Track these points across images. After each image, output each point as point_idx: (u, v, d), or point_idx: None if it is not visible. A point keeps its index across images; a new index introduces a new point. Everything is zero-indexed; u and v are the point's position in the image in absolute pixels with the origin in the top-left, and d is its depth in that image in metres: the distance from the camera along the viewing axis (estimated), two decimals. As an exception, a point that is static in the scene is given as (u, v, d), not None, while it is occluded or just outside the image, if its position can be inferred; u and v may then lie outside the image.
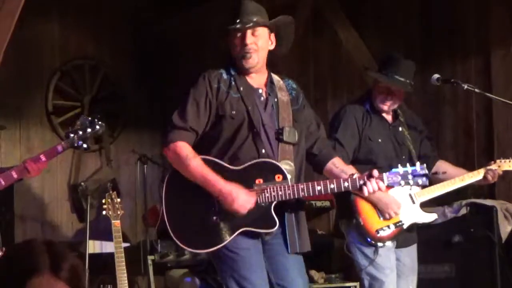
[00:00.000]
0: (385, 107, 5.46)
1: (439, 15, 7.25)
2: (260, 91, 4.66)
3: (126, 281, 6.17)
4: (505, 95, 6.38)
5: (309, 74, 8.19)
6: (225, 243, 4.39)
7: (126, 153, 8.24)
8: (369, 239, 5.26)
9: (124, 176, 8.01)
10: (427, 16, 7.31)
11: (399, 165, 4.63)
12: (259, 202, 4.36)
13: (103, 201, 6.31)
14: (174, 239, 4.46)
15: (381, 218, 5.24)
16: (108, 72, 8.65)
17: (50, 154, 5.10)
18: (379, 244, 5.26)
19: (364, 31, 7.64)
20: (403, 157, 5.45)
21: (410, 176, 4.49)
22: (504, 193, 6.54)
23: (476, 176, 5.46)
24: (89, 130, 5.07)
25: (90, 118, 5.09)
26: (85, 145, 5.14)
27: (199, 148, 4.50)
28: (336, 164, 4.79)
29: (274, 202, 4.42)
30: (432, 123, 6.65)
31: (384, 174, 4.44)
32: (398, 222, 5.26)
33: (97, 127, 5.05)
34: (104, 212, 6.26)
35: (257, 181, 4.40)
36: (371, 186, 4.37)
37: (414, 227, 5.42)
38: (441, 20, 7.26)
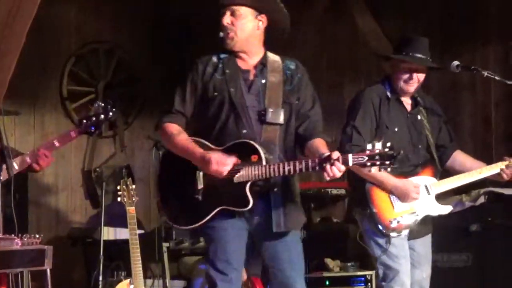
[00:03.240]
0: (411, 88, 5.43)
1: (459, 1, 7.23)
2: (249, 72, 4.72)
3: (141, 268, 6.24)
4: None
5: (327, 58, 8.23)
6: (204, 220, 4.50)
7: (141, 139, 8.28)
8: (382, 229, 5.28)
9: (139, 162, 8.03)
10: (447, 2, 7.30)
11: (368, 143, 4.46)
12: (235, 181, 4.45)
13: (118, 187, 6.37)
14: (164, 213, 4.59)
15: (396, 209, 5.24)
16: (123, 57, 8.67)
17: (63, 139, 5.15)
18: (392, 234, 5.28)
19: (383, 17, 7.65)
20: (419, 146, 5.44)
21: (377, 157, 4.35)
22: None
23: (494, 169, 5.42)
24: (102, 116, 5.11)
25: (103, 104, 5.14)
26: (98, 131, 5.20)
27: (190, 129, 4.65)
28: (314, 145, 4.73)
29: (249, 182, 4.49)
30: (450, 110, 6.58)
31: (349, 155, 4.36)
32: (412, 213, 5.28)
33: (110, 113, 5.10)
34: (119, 199, 6.32)
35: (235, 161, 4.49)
36: (330, 171, 4.30)
37: (429, 218, 5.42)
38: (461, 7, 7.23)
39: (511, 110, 6.83)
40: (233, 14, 4.62)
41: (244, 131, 4.58)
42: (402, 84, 5.39)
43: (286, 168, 4.50)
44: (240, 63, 4.70)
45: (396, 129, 5.38)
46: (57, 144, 5.07)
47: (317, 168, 4.45)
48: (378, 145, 4.29)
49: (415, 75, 5.35)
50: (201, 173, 4.54)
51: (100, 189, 6.94)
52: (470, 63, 5.96)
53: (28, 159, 5.08)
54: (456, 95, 6.92)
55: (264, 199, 4.52)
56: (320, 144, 4.68)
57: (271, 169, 4.49)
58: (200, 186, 4.53)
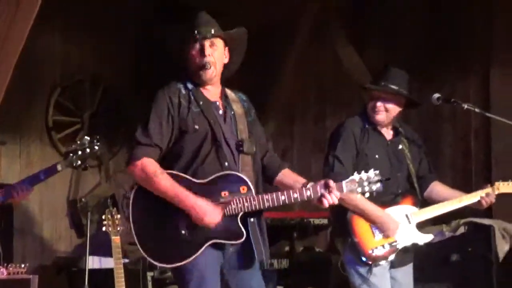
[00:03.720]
0: (379, 117, 5.46)
1: (440, 34, 7.32)
2: (217, 103, 4.70)
3: (127, 298, 6.26)
4: (504, 114, 6.46)
5: (310, 90, 8.30)
6: (195, 256, 4.40)
7: (125, 169, 8.28)
8: (363, 258, 5.28)
9: (124, 192, 8.01)
10: (428, 35, 7.38)
11: (355, 172, 4.62)
12: (226, 214, 4.44)
13: (103, 217, 6.39)
14: (144, 254, 4.51)
15: (376, 238, 5.27)
16: (108, 87, 8.70)
17: (49, 172, 5.19)
18: (373, 263, 5.33)
19: (365, 49, 7.74)
20: (399, 174, 5.49)
21: (365, 183, 4.51)
22: (501, 213, 6.54)
23: (475, 197, 5.47)
24: (88, 150, 5.16)
25: (89, 139, 5.17)
26: (83, 165, 5.24)
27: (161, 163, 4.51)
28: (287, 175, 4.85)
29: (240, 213, 4.47)
30: (430, 141, 6.64)
31: (342, 182, 4.48)
32: (393, 242, 5.27)
33: (96, 147, 5.13)
34: (104, 228, 6.34)
35: (223, 194, 4.44)
36: (330, 199, 4.42)
37: (410, 247, 5.43)
38: (442, 39, 7.30)
39: (491, 141, 6.91)
40: (212, 45, 4.63)
41: (226, 163, 4.55)
42: (370, 112, 5.47)
43: (281, 198, 4.52)
44: (206, 94, 4.68)
45: (376, 157, 5.44)
46: (42, 177, 5.11)
47: (312, 196, 4.49)
48: (364, 174, 4.46)
49: (379, 103, 5.40)
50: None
51: (85, 218, 6.93)
52: (451, 93, 6.05)
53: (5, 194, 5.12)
54: (436, 126, 6.99)
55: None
56: (293, 174, 4.83)
57: (265, 200, 4.52)
58: (187, 221, 4.46)
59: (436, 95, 5.74)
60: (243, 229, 4.46)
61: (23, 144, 7.83)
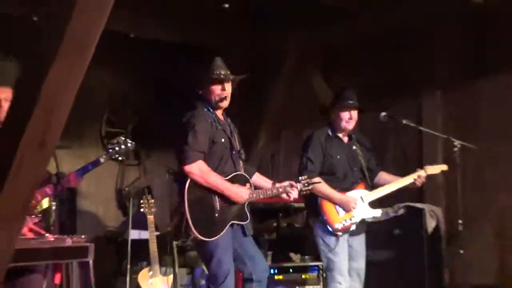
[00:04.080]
0: (350, 125, 5.49)
1: (389, 67, 7.30)
2: (225, 123, 4.83)
3: (157, 259, 6.27)
4: (432, 127, 6.47)
5: (292, 110, 8.26)
6: (222, 233, 4.52)
7: (157, 167, 8.29)
8: (331, 230, 5.32)
9: (156, 184, 8.00)
10: (380, 68, 7.38)
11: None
12: (242, 202, 4.68)
13: (141, 201, 6.43)
14: (192, 229, 4.49)
15: (340, 215, 5.34)
16: (141, 109, 8.76)
17: (94, 164, 5.15)
18: (339, 233, 5.33)
19: (332, 80, 7.72)
20: (355, 168, 5.55)
21: (306, 183, 4.93)
22: (430, 198, 6.61)
23: (408, 179, 5.51)
24: (122, 146, 5.12)
25: (123, 138, 5.14)
26: (120, 158, 5.22)
27: None
28: (258, 176, 5.08)
29: (247, 202, 4.68)
30: (380, 145, 6.67)
31: (298, 184, 4.88)
32: (352, 217, 5.36)
33: (128, 145, 5.09)
34: (142, 209, 6.39)
35: None
36: (293, 194, 4.87)
37: (363, 221, 5.47)
38: (390, 72, 7.29)
39: (422, 146, 6.96)
40: (228, 84, 4.73)
41: (236, 166, 4.75)
42: (345, 124, 5.48)
43: (268, 193, 4.87)
44: (220, 116, 4.80)
45: (338, 157, 5.49)
46: (90, 168, 5.08)
47: (281, 191, 4.90)
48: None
49: (350, 115, 5.46)
50: (217, 198, 4.57)
51: (128, 202, 6.92)
52: (395, 112, 6.00)
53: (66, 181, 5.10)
54: (384, 135, 7.00)
55: None
56: (262, 176, 5.13)
57: (260, 194, 4.81)
58: (218, 205, 4.57)
59: (383, 113, 5.77)
60: (248, 214, 4.66)
61: (83, 149, 7.89)
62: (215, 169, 4.60)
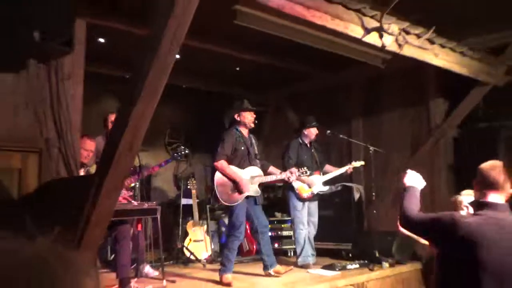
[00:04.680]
0: (314, 137, 5.56)
1: (328, 103, 7.26)
2: (248, 138, 4.77)
3: (197, 216, 6.30)
4: (356, 139, 6.49)
5: (277, 133, 8.19)
6: (239, 201, 4.54)
7: (198, 163, 8.28)
8: (301, 198, 5.35)
9: (197, 172, 7.98)
10: (323, 104, 7.29)
11: (305, 167, 4.97)
12: (253, 184, 4.63)
13: (188, 182, 6.46)
14: (219, 198, 4.55)
15: (306, 189, 5.37)
16: (188, 130, 8.60)
17: (167, 162, 5.22)
18: (305, 200, 5.38)
19: (299, 114, 7.71)
20: (313, 163, 5.54)
21: (298, 173, 4.85)
22: (356, 180, 6.56)
23: (343, 169, 5.61)
24: (182, 152, 5.21)
25: (183, 147, 5.25)
26: (179, 158, 5.32)
27: (228, 162, 4.61)
28: (271, 169, 4.99)
29: (258, 183, 4.66)
30: (327, 151, 6.60)
31: (296, 172, 4.83)
32: (313, 191, 5.38)
33: (186, 151, 5.20)
34: (188, 187, 6.42)
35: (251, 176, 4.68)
36: (292, 178, 4.81)
37: (318, 193, 5.49)
38: (328, 106, 7.23)
39: (351, 150, 6.91)
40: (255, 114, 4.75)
41: (251, 163, 4.71)
42: (313, 137, 5.57)
43: (273, 178, 4.84)
44: (244, 133, 4.74)
45: (305, 156, 5.54)
46: (163, 164, 5.14)
47: (284, 177, 4.84)
48: (299, 169, 4.92)
49: (316, 133, 5.56)
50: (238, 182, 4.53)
51: (180, 182, 6.92)
52: (336, 130, 6.08)
53: (149, 170, 5.15)
54: (330, 144, 6.92)
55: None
56: (274, 168, 5.03)
57: (268, 179, 4.79)
58: (235, 187, 4.54)
59: (328, 131, 5.82)
60: (259, 191, 4.66)
61: (155, 151, 7.78)
62: (237, 164, 4.60)
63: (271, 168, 4.99)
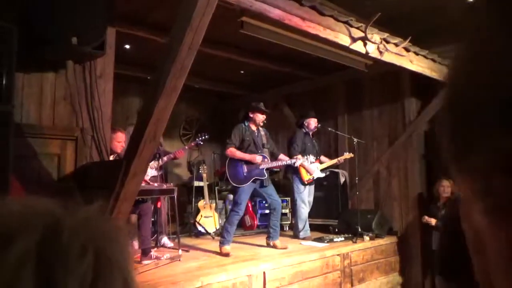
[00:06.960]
0: (315, 129, 5.55)
1: (320, 105, 7.08)
2: (256, 131, 4.71)
3: (207, 195, 6.26)
4: (342, 132, 6.47)
5: (279, 128, 8.15)
6: (248, 183, 4.51)
7: (208, 150, 8.17)
8: (303, 182, 5.37)
9: (207, 159, 7.94)
10: (314, 104, 7.05)
11: (310, 154, 5.06)
12: (261, 167, 4.58)
13: (200, 167, 6.45)
14: (230, 180, 4.56)
15: (308, 174, 5.37)
16: (202, 122, 8.55)
17: (190, 147, 5.29)
18: (307, 184, 5.40)
19: (294, 111, 7.69)
20: (315, 151, 5.53)
21: (308, 160, 4.91)
22: (342, 167, 6.47)
23: (335, 160, 5.61)
24: (203, 137, 5.27)
25: (204, 133, 5.35)
26: (201, 143, 5.59)
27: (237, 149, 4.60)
28: (281, 156, 4.92)
29: (265, 167, 4.59)
30: (320, 142, 6.43)
31: (297, 160, 4.82)
32: (313, 176, 5.39)
33: (207, 136, 5.27)
34: (200, 171, 6.41)
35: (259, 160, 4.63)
36: (297, 162, 4.81)
37: (316, 178, 5.51)
38: (320, 107, 6.98)
39: (337, 142, 6.82)
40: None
41: (259, 151, 4.65)
42: (313, 127, 5.55)
43: (279, 163, 4.83)
44: (253, 128, 4.70)
45: (308, 144, 5.51)
46: (187, 147, 5.28)
47: (291, 162, 4.83)
48: (306, 157, 4.96)
49: (316, 124, 5.54)
50: (244, 166, 4.52)
51: (193, 167, 6.94)
52: (326, 124, 6.08)
53: (171, 156, 5.15)
54: (321, 136, 6.76)
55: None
56: (283, 155, 4.98)
57: (274, 164, 4.73)
58: (245, 169, 4.52)
59: (319, 125, 5.80)
60: (266, 173, 4.59)
61: (171, 140, 7.72)
62: (245, 151, 4.59)
63: (281, 156, 5.01)
